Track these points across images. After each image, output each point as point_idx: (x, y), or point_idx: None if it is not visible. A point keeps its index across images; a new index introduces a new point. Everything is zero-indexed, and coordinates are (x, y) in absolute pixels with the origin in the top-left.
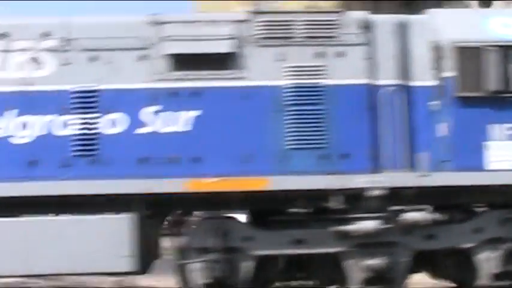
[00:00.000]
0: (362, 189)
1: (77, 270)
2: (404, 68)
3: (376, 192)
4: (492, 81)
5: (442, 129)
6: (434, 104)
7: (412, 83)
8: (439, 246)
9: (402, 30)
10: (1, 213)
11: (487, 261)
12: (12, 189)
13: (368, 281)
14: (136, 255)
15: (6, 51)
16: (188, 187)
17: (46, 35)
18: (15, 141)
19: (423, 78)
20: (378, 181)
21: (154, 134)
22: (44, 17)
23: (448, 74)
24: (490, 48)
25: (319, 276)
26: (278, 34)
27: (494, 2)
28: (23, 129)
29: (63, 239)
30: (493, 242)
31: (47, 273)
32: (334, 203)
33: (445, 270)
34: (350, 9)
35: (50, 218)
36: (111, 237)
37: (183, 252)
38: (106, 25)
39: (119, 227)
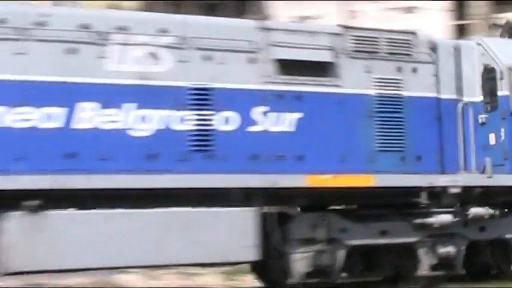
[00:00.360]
0: (444, 188)
1: (202, 260)
2: (460, 85)
3: (455, 190)
4: None
5: (492, 138)
6: (484, 117)
7: (466, 98)
8: (489, 237)
9: (457, 53)
10: (114, 204)
11: None
12: (134, 181)
13: (434, 267)
14: (258, 245)
15: (125, 44)
16: (310, 182)
17: (164, 32)
18: (134, 133)
19: (474, 94)
20: (456, 180)
21: (263, 133)
22: (161, 14)
23: (504, 93)
24: None
25: (384, 267)
26: (366, 48)
27: None
28: (141, 122)
29: (191, 230)
30: None
31: (172, 263)
32: (418, 199)
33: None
34: (152, 9)
35: (180, 210)
36: (237, 228)
37: (287, 243)
38: (219, 26)
39: (245, 219)
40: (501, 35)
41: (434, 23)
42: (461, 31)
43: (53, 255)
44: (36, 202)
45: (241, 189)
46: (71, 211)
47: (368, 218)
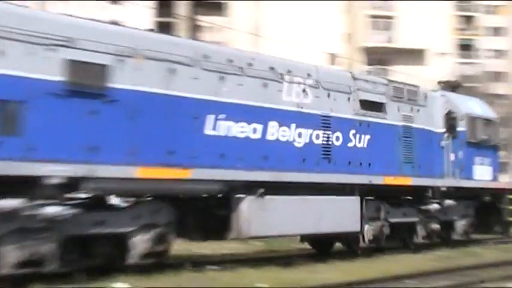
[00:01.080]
0: (438, 187)
1: (329, 229)
2: (435, 121)
3: (443, 189)
4: (478, 136)
5: (452, 157)
6: (445, 142)
7: (437, 130)
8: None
9: (433, 100)
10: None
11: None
12: (306, 178)
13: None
14: (360, 221)
15: (290, 82)
16: (386, 181)
17: (308, 75)
18: (295, 144)
19: (440, 128)
20: (445, 182)
21: (353, 147)
22: (306, 63)
23: (461, 129)
24: (478, 118)
25: None
26: (399, 95)
27: None
28: (298, 137)
29: (323, 210)
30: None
31: (311, 232)
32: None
33: None
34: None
35: (327, 197)
36: (350, 210)
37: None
38: (335, 74)
39: (354, 204)
40: (442, 89)
41: (140, 16)
42: (167, 27)
43: (271, 226)
44: (261, 190)
45: (350, 184)
46: (279, 196)
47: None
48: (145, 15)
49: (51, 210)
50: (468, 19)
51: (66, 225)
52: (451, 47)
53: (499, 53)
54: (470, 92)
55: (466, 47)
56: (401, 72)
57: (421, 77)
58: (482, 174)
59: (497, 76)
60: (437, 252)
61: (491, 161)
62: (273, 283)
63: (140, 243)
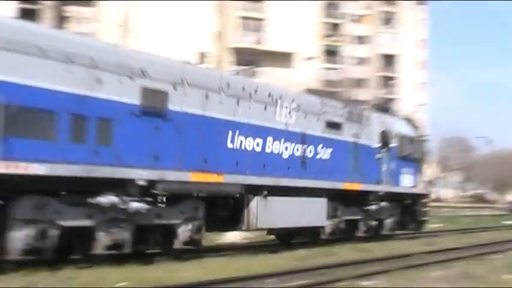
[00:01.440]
0: (378, 191)
1: (306, 224)
2: (373, 137)
3: (381, 193)
4: (405, 151)
5: (384, 167)
6: (380, 155)
7: (375, 145)
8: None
9: (372, 120)
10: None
11: None
12: (293, 183)
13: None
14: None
15: (281, 106)
16: (345, 186)
17: (293, 100)
18: (282, 155)
19: (376, 143)
20: (383, 188)
21: (321, 159)
22: (291, 90)
23: (394, 144)
24: (405, 136)
25: None
26: (350, 116)
27: None
28: (285, 150)
29: (303, 208)
30: None
31: (295, 226)
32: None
33: None
34: None
35: (299, 198)
36: (320, 209)
37: None
38: (310, 100)
39: (323, 204)
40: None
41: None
42: (31, 15)
43: (271, 220)
44: (265, 192)
45: (319, 188)
46: (276, 197)
47: None
48: (9, 1)
49: (135, 205)
50: (335, 26)
51: (139, 217)
52: (317, 52)
53: (362, 60)
54: (333, 96)
55: (331, 53)
56: (269, 74)
57: (288, 79)
58: (406, 181)
59: (359, 82)
60: (297, 252)
61: (413, 171)
62: (132, 282)
63: (184, 233)
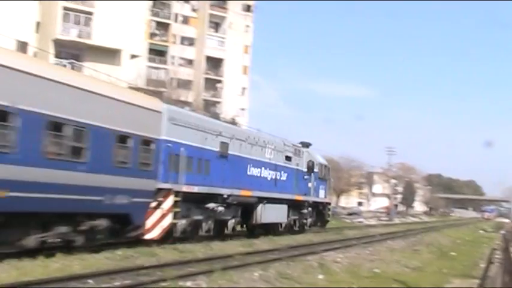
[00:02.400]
0: (309, 201)
1: (278, 220)
2: (304, 165)
3: (310, 202)
4: (321, 174)
5: (311, 185)
6: (307, 177)
7: (305, 170)
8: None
9: (303, 153)
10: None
11: None
12: (276, 195)
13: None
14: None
15: (269, 148)
16: (297, 198)
17: (273, 143)
18: (268, 178)
19: (306, 169)
20: (311, 198)
21: (283, 180)
22: (272, 137)
23: (316, 170)
24: (322, 164)
25: None
26: (295, 152)
27: None
28: (269, 174)
29: (277, 211)
30: None
31: (274, 221)
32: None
33: None
34: None
35: (276, 205)
36: (284, 211)
37: None
38: (279, 143)
39: (286, 209)
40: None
41: None
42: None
43: (267, 218)
44: (265, 201)
45: (285, 199)
46: (268, 204)
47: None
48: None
49: (220, 208)
50: (163, 26)
51: (219, 215)
52: (144, 50)
53: (189, 62)
54: (158, 96)
55: (159, 53)
56: (93, 70)
57: (112, 76)
58: (322, 194)
59: (185, 84)
60: (119, 252)
61: (325, 187)
62: None
63: (230, 224)
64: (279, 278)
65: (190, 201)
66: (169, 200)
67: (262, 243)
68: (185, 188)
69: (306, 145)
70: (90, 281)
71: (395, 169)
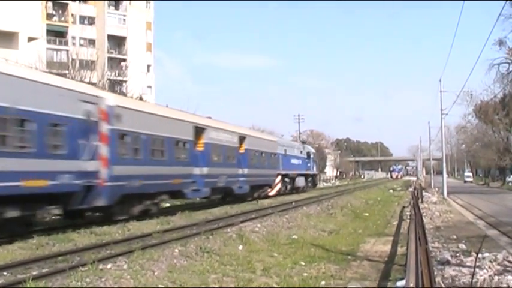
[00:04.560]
0: None
1: (303, 185)
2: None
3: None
4: (313, 157)
5: (308, 165)
6: (307, 161)
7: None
8: None
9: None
10: None
11: None
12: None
13: None
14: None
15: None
16: None
17: (298, 147)
18: (296, 163)
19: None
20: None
21: (300, 164)
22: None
23: (311, 156)
24: (313, 152)
25: None
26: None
27: None
28: (297, 162)
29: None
30: None
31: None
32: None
33: None
34: None
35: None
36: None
37: None
38: (296, 144)
39: (303, 179)
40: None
41: None
42: None
43: (299, 183)
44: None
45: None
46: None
47: None
48: None
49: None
50: (61, 6)
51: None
52: (42, 32)
53: (90, 42)
54: (63, 77)
55: (58, 34)
56: None
57: (10, 60)
58: (314, 169)
59: (88, 64)
60: (33, 240)
61: (315, 165)
62: None
63: (299, 184)
64: (200, 252)
65: (286, 177)
66: (279, 178)
67: (179, 219)
68: (283, 172)
69: (304, 142)
70: (5, 273)
71: (304, 136)
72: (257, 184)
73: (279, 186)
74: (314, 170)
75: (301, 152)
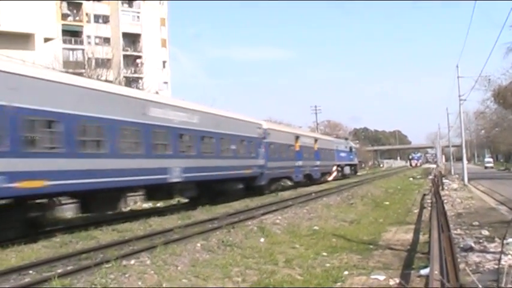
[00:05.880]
0: None
1: (350, 173)
2: None
3: None
4: (354, 151)
5: (351, 156)
6: (350, 153)
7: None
8: None
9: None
10: None
11: None
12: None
13: None
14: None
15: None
16: None
17: (344, 144)
18: (345, 156)
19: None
20: (352, 162)
21: (347, 156)
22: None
23: (353, 150)
24: (354, 147)
25: None
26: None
27: None
28: (345, 156)
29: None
30: None
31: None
32: None
33: None
34: None
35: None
36: (349, 169)
37: None
38: (343, 141)
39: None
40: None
41: None
42: None
43: (346, 171)
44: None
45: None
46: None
47: None
48: None
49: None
50: (75, 5)
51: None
52: (58, 32)
53: (106, 40)
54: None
55: (74, 33)
56: (7, 56)
57: (27, 61)
58: (355, 160)
59: (104, 62)
60: (57, 239)
61: (356, 157)
62: None
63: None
64: (221, 245)
65: (339, 167)
66: (335, 167)
67: (200, 214)
68: (338, 163)
69: (346, 138)
70: (30, 271)
71: (322, 127)
72: (324, 172)
73: (335, 173)
74: (355, 161)
75: (345, 147)
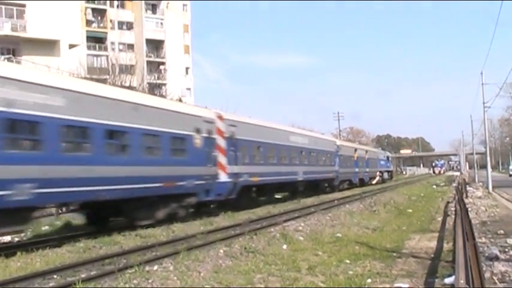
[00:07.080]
0: None
1: (387, 177)
2: None
3: None
4: (389, 159)
5: (388, 164)
6: (387, 161)
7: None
8: None
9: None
10: None
11: None
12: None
13: None
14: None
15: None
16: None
17: (365, 151)
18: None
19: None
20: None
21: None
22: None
23: (389, 159)
24: (389, 156)
25: None
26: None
27: None
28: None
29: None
30: None
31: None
32: None
33: None
34: None
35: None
36: (386, 174)
37: None
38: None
39: (387, 173)
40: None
41: None
42: None
43: (384, 177)
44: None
45: None
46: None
47: None
48: None
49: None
50: (100, 12)
51: None
52: (82, 39)
53: (129, 46)
54: (102, 82)
55: (97, 40)
56: (33, 63)
57: (52, 67)
58: (391, 167)
59: (127, 69)
60: (81, 244)
61: (390, 164)
62: None
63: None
64: (244, 252)
65: (379, 172)
66: (378, 173)
67: (222, 220)
68: (380, 169)
69: (384, 149)
70: (55, 276)
71: (345, 134)
72: (371, 176)
73: (378, 178)
74: (391, 167)
75: (384, 156)
